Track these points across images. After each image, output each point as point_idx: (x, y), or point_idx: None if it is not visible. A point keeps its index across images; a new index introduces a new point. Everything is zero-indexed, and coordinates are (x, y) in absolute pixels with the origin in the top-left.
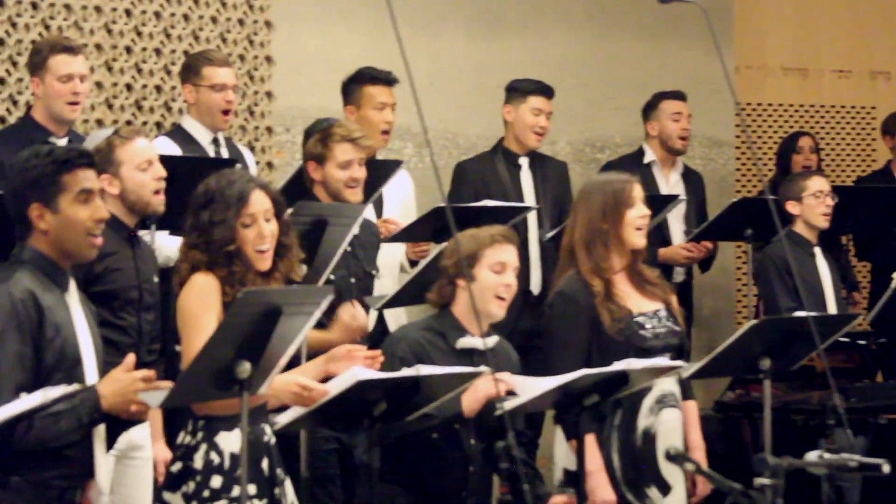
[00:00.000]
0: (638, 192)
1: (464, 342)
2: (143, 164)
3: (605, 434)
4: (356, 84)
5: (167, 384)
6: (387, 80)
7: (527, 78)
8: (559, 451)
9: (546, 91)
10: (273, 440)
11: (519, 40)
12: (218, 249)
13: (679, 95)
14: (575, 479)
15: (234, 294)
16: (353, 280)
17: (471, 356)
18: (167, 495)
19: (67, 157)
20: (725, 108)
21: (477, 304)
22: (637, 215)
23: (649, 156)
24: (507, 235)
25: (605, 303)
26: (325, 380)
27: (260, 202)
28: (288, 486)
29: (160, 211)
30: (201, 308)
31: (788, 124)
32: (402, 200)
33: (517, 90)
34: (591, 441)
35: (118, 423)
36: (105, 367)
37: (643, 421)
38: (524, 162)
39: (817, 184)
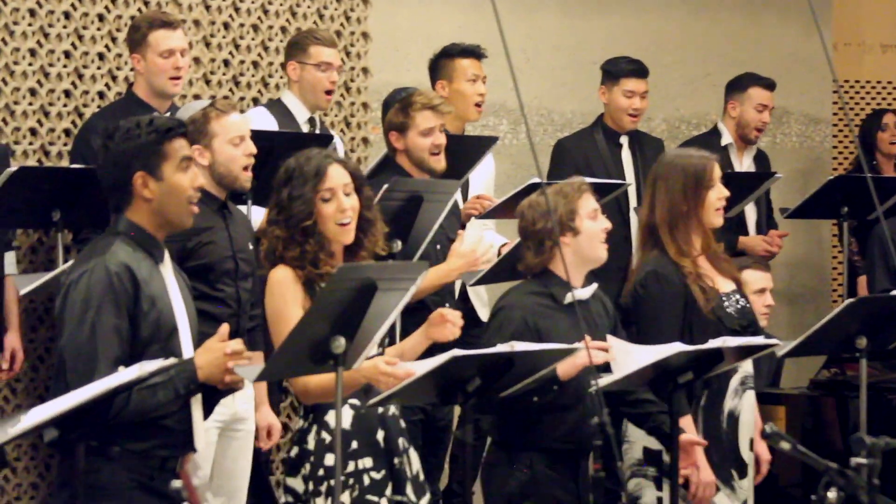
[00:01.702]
0: (717, 171)
1: (571, 296)
2: (236, 138)
3: (677, 413)
4: (447, 58)
5: (258, 355)
6: (477, 53)
7: (622, 56)
8: (637, 430)
9: (639, 72)
10: (392, 411)
11: (615, 17)
12: (296, 225)
13: (769, 84)
14: (658, 458)
15: (307, 274)
16: (437, 247)
17: (574, 308)
18: (289, 480)
19: (169, 126)
20: (823, 86)
21: (586, 254)
22: (717, 196)
23: (726, 138)
24: (582, 185)
25: (696, 282)
26: (430, 349)
27: (338, 176)
28: (412, 455)
29: (247, 187)
30: (283, 302)
31: (886, 102)
32: (486, 182)
33: (611, 72)
34: (688, 422)
35: (214, 392)
36: (202, 339)
37: (729, 403)
38: (625, 140)
39: None
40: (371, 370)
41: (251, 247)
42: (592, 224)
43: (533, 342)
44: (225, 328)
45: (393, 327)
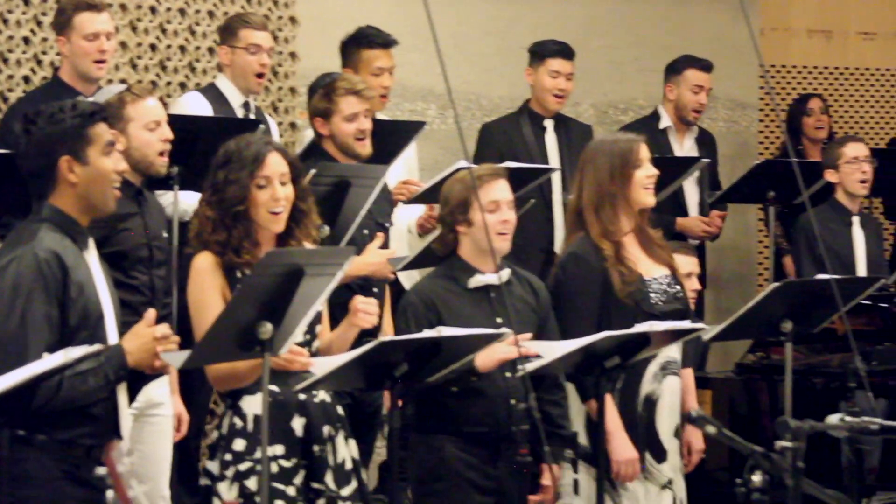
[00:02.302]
0: (645, 151)
1: (476, 281)
2: (151, 123)
3: (602, 397)
4: (353, 46)
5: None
6: (384, 42)
7: (548, 39)
8: (575, 416)
9: (565, 53)
10: (318, 398)
11: (543, 2)
12: (228, 208)
13: (705, 66)
14: (574, 441)
15: (228, 260)
16: (366, 232)
17: (486, 293)
18: (208, 464)
19: (93, 110)
20: (749, 71)
21: (482, 245)
22: (645, 175)
23: (665, 121)
24: (494, 172)
25: (615, 266)
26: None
27: (276, 164)
28: (339, 444)
29: (162, 173)
30: (201, 289)
31: (812, 87)
32: (406, 159)
33: (537, 53)
34: (609, 401)
35: (138, 378)
36: (122, 327)
37: (646, 387)
38: (549, 124)
39: (853, 150)
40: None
41: (165, 234)
42: (488, 216)
43: (435, 323)
44: (152, 313)
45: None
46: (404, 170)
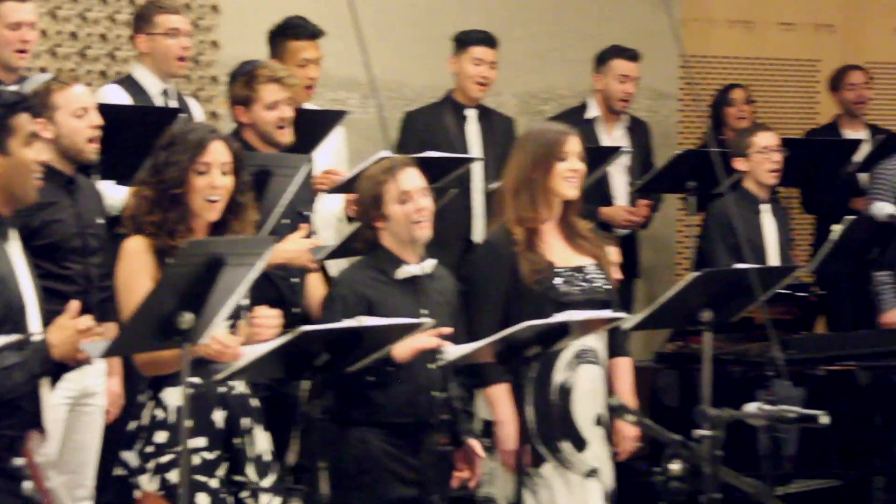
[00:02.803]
0: (572, 145)
1: (402, 272)
2: (79, 110)
3: (522, 386)
4: (280, 37)
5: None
6: (311, 34)
7: (471, 29)
8: (480, 403)
9: (488, 41)
10: (238, 390)
11: None
12: (165, 190)
13: (632, 56)
14: (490, 430)
15: (161, 243)
16: (287, 222)
17: (413, 284)
18: (124, 454)
19: (14, 101)
20: (670, 61)
21: (403, 237)
22: (567, 167)
23: (592, 111)
24: (401, 162)
25: (525, 253)
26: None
27: (218, 153)
28: (257, 435)
29: (93, 159)
30: (131, 272)
31: (732, 77)
32: (336, 149)
33: (460, 41)
34: (501, 391)
35: (60, 368)
36: (51, 317)
37: (559, 375)
38: (471, 114)
39: (763, 139)
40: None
41: (100, 221)
42: (401, 207)
43: (364, 314)
44: (75, 304)
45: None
46: (334, 159)
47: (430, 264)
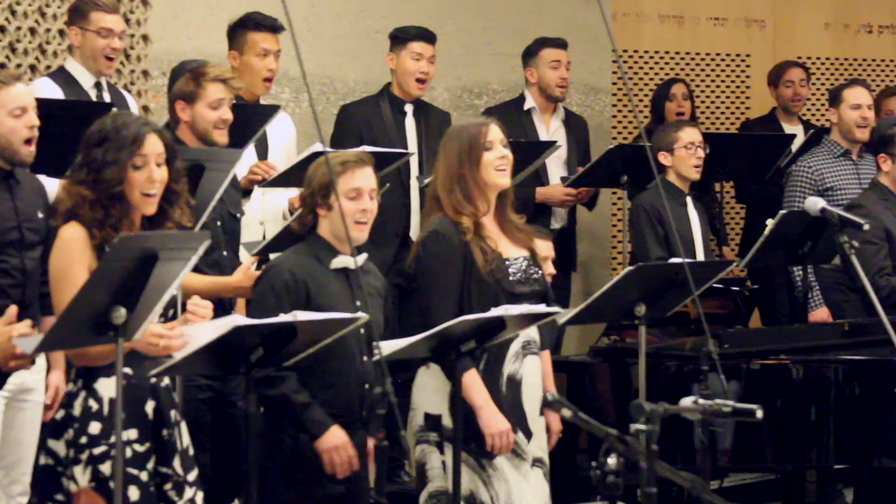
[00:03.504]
0: (494, 133)
1: (337, 262)
2: (17, 110)
3: (458, 380)
4: (240, 29)
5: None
6: (271, 26)
7: (409, 25)
8: (419, 397)
9: (426, 36)
10: (165, 383)
11: None
12: (106, 190)
13: (559, 43)
14: (438, 423)
15: (103, 237)
16: (218, 223)
17: (346, 275)
18: (51, 442)
19: None
20: (602, 55)
21: (338, 231)
22: (495, 157)
23: (529, 102)
24: (360, 160)
25: (476, 241)
26: None
27: (154, 145)
28: (182, 428)
29: (28, 161)
30: (68, 260)
31: (664, 71)
32: (286, 145)
33: (398, 37)
34: (474, 376)
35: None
36: None
37: (508, 367)
38: (409, 109)
39: (689, 135)
40: (143, 337)
41: (41, 215)
42: (347, 204)
43: (300, 299)
44: (12, 310)
45: (174, 298)
46: (284, 155)
47: (361, 258)
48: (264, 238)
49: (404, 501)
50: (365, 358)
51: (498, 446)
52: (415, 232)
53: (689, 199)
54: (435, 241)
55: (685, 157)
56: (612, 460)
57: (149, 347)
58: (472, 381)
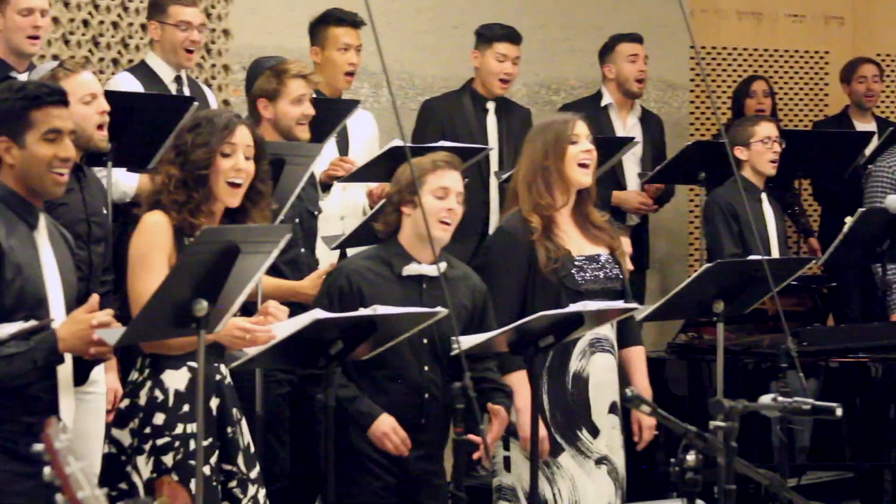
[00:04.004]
0: (580, 128)
1: (409, 269)
2: (87, 97)
3: (537, 376)
4: (322, 25)
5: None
6: (352, 21)
7: (495, 23)
8: None
9: (512, 37)
10: (228, 380)
11: None
12: (192, 171)
13: (635, 38)
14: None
15: (182, 220)
16: (296, 221)
17: (418, 283)
18: (115, 431)
19: (38, 94)
20: (680, 52)
21: (420, 229)
22: (579, 150)
23: (606, 98)
24: (449, 161)
25: (542, 240)
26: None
27: (244, 136)
28: (243, 426)
29: (102, 147)
30: (149, 246)
31: (742, 68)
32: (368, 141)
33: (484, 35)
34: (521, 378)
35: (85, 362)
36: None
37: (574, 364)
38: (491, 106)
39: (765, 129)
40: (228, 327)
41: (105, 211)
42: (433, 202)
43: (353, 306)
44: (95, 298)
45: (254, 291)
46: (366, 150)
47: (442, 265)
48: (344, 233)
49: (482, 495)
50: (426, 367)
51: (529, 450)
52: (493, 228)
53: (763, 196)
54: (501, 239)
55: (761, 151)
56: (690, 457)
57: (234, 340)
58: (520, 383)
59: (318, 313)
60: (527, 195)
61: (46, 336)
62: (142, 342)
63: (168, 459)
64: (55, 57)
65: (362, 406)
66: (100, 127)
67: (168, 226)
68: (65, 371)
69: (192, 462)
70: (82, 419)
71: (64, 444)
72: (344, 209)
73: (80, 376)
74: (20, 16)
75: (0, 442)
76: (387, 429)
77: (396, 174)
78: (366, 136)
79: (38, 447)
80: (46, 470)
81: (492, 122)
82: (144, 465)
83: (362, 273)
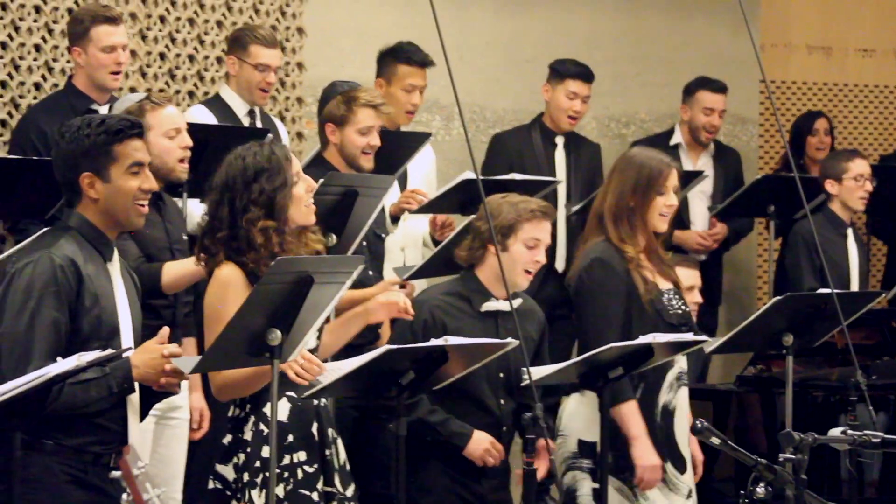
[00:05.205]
0: (673, 179)
1: (489, 306)
2: (171, 131)
3: (607, 407)
4: (391, 59)
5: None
6: (422, 62)
7: (569, 59)
8: (570, 423)
9: (585, 75)
10: (323, 401)
11: (547, 15)
12: (280, 214)
13: (718, 87)
14: (592, 450)
15: (253, 269)
16: (364, 243)
17: (495, 318)
18: (220, 468)
19: (120, 128)
20: (749, 86)
21: (507, 274)
22: (665, 203)
23: (677, 137)
24: (546, 211)
25: (638, 270)
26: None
27: (295, 163)
28: (339, 444)
29: (183, 178)
30: (224, 302)
31: (812, 102)
32: (426, 173)
33: (557, 71)
34: (633, 408)
35: (152, 394)
36: (143, 332)
37: (664, 397)
38: (560, 140)
39: (859, 167)
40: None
41: (185, 237)
42: (524, 251)
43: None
44: (165, 330)
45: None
46: (423, 183)
47: (517, 302)
48: (405, 264)
49: None
50: (502, 402)
51: (647, 480)
52: (560, 263)
53: (849, 231)
54: (600, 268)
55: (853, 188)
56: (760, 489)
57: (297, 379)
58: (631, 412)
59: (390, 344)
60: (614, 229)
61: (121, 364)
62: (218, 371)
63: (279, 491)
64: (132, 89)
65: (455, 427)
66: (181, 160)
67: (243, 278)
68: (133, 402)
69: (303, 491)
70: (165, 445)
71: (141, 472)
72: (405, 240)
73: (142, 412)
74: (103, 53)
75: (71, 472)
76: (486, 444)
77: (492, 209)
78: (425, 167)
79: (116, 474)
80: (123, 497)
81: (560, 156)
82: (258, 497)
83: (444, 308)
